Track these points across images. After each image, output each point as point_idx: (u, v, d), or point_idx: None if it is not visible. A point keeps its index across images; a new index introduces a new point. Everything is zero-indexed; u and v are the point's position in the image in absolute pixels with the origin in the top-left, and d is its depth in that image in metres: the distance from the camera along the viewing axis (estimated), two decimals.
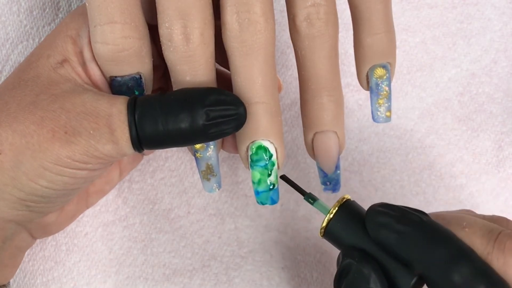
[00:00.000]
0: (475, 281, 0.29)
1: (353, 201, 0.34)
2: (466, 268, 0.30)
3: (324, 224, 0.34)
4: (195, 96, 0.32)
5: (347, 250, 0.33)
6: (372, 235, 0.32)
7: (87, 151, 0.31)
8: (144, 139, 0.32)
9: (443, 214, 0.34)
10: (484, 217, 0.34)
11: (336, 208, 0.34)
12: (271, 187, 0.35)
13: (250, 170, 0.35)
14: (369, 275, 0.32)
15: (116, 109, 0.32)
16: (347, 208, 0.34)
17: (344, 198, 0.34)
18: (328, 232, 0.34)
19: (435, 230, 0.31)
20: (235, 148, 0.36)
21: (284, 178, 0.36)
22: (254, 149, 0.34)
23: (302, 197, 0.36)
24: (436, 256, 0.30)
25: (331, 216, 0.34)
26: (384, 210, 0.32)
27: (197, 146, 0.35)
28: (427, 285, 0.31)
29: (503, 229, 0.32)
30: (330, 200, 0.45)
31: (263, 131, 0.34)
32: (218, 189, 0.37)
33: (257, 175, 0.35)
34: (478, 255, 0.31)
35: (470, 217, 0.33)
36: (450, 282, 0.29)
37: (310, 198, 0.36)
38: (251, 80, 0.33)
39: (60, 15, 0.42)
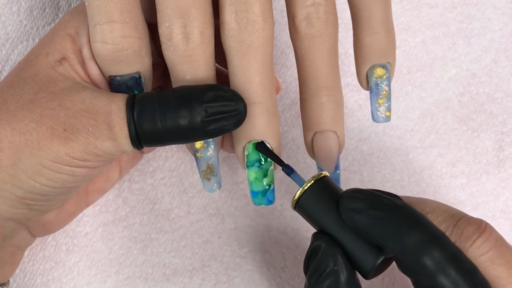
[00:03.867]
0: (447, 265, 0.29)
1: (330, 178, 0.34)
2: (437, 252, 0.29)
3: (297, 196, 0.33)
4: (193, 93, 0.32)
5: (317, 234, 0.33)
6: (346, 220, 0.32)
7: (86, 148, 0.31)
8: (143, 136, 0.32)
9: (409, 198, 0.34)
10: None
11: (311, 182, 0.33)
12: (267, 187, 0.35)
13: (246, 170, 0.35)
14: (335, 257, 0.31)
15: (115, 106, 0.32)
16: (322, 184, 0.33)
17: (321, 174, 0.33)
18: (300, 205, 0.33)
19: (408, 214, 0.31)
20: None
21: (260, 147, 0.35)
22: (250, 149, 0.34)
23: None
24: (408, 240, 0.30)
25: (305, 189, 0.33)
26: (357, 195, 0.32)
27: (198, 145, 0.35)
28: (400, 269, 0.31)
29: (465, 215, 0.32)
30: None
31: (260, 131, 0.34)
32: (219, 189, 0.37)
33: (253, 175, 0.35)
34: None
35: (434, 202, 0.33)
36: (422, 266, 0.29)
37: (288, 169, 0.34)
38: (248, 79, 0.33)
39: (60, 15, 0.42)
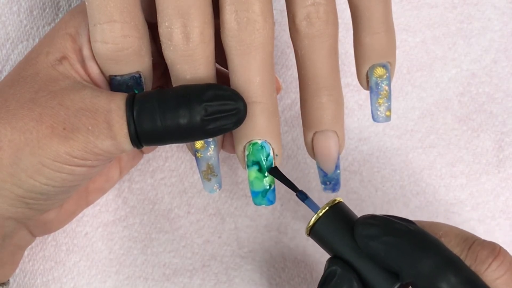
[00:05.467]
0: None
1: (345, 204, 0.34)
2: (453, 277, 0.30)
3: (311, 223, 0.34)
4: (193, 92, 0.32)
5: (332, 259, 0.33)
6: (361, 246, 0.32)
7: (86, 147, 0.31)
8: (143, 135, 0.32)
9: (421, 222, 0.34)
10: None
11: (326, 209, 0.33)
12: (267, 187, 0.35)
13: (247, 170, 0.35)
14: (351, 283, 0.32)
15: (115, 105, 0.32)
16: (336, 210, 0.34)
17: (335, 200, 0.34)
18: (314, 232, 0.34)
19: (422, 239, 0.31)
20: None
21: (273, 172, 0.35)
22: (250, 149, 0.34)
23: None
24: (423, 265, 0.30)
25: (320, 216, 0.33)
26: (371, 221, 0.32)
27: (198, 145, 0.35)
28: None
29: (478, 238, 0.32)
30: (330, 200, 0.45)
31: (260, 131, 0.34)
32: (219, 189, 0.37)
33: (253, 175, 0.35)
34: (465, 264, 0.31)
35: (446, 225, 0.34)
36: None
37: (302, 195, 0.35)
38: (249, 79, 0.33)
39: (60, 15, 0.42)
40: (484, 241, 0.32)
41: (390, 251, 0.31)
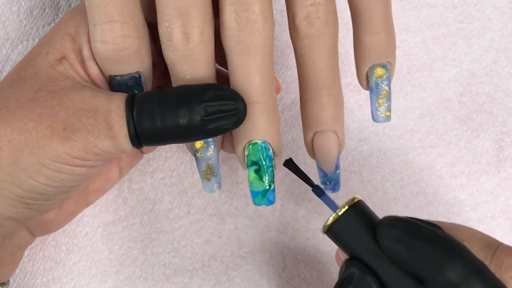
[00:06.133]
0: None
1: (364, 203, 0.33)
2: (480, 285, 0.29)
3: (330, 221, 0.33)
4: (193, 92, 0.32)
5: (351, 260, 0.32)
6: (384, 249, 0.31)
7: (86, 147, 0.31)
8: (142, 135, 0.32)
9: (444, 224, 0.33)
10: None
11: (345, 208, 0.33)
12: (267, 187, 0.35)
13: (246, 170, 0.35)
14: (371, 286, 0.31)
15: (115, 105, 0.32)
16: (357, 210, 0.33)
17: (355, 198, 0.33)
18: (332, 231, 0.33)
19: (449, 245, 0.30)
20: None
21: (288, 164, 0.34)
22: (250, 149, 0.34)
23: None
24: (450, 272, 0.29)
25: (339, 215, 0.33)
26: (397, 223, 0.31)
27: (198, 145, 0.35)
28: None
29: (501, 243, 0.32)
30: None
31: (260, 131, 0.34)
32: (219, 190, 0.37)
33: (253, 176, 0.35)
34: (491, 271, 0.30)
35: (468, 228, 0.33)
36: None
37: (319, 190, 0.34)
38: (248, 79, 0.33)
39: (60, 15, 0.42)
40: (509, 247, 0.31)
41: (415, 256, 0.30)
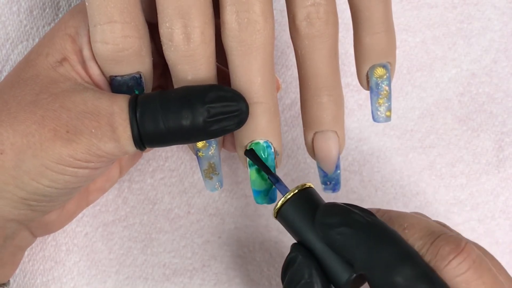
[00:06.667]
0: (417, 284, 0.29)
1: (314, 190, 0.34)
2: (408, 271, 0.29)
3: (278, 205, 0.33)
4: (196, 93, 0.32)
5: (296, 245, 0.33)
6: (320, 235, 0.32)
7: (89, 149, 0.31)
8: (146, 137, 0.32)
9: (390, 212, 0.33)
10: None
11: (294, 192, 0.33)
12: (269, 186, 0.35)
13: (248, 169, 0.35)
14: (311, 270, 0.31)
15: (118, 107, 0.32)
16: (305, 195, 0.33)
17: (305, 184, 0.33)
18: (281, 214, 0.33)
19: (380, 232, 0.30)
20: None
21: (249, 153, 0.35)
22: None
23: None
24: (378, 257, 0.29)
25: (287, 198, 0.33)
26: (331, 210, 0.32)
27: (199, 145, 0.35)
28: (370, 286, 0.30)
29: (445, 232, 0.31)
30: (330, 200, 0.45)
31: (262, 131, 0.34)
32: (220, 188, 0.37)
33: (255, 175, 0.35)
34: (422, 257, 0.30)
35: (414, 217, 0.33)
36: (391, 284, 0.29)
37: (274, 178, 0.34)
38: (250, 80, 0.33)
39: (60, 15, 0.42)
40: (451, 236, 0.31)
41: (345, 242, 0.30)
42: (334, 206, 0.32)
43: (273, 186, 0.35)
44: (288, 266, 0.32)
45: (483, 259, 0.31)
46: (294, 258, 0.32)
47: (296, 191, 0.33)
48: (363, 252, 0.30)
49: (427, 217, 0.36)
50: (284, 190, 0.34)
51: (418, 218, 0.32)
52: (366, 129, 0.46)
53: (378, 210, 0.34)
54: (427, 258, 0.30)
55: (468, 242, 0.31)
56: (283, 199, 0.33)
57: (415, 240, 0.31)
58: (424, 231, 0.31)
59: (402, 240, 0.30)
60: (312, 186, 0.34)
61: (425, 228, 0.32)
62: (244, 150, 0.35)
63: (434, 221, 0.35)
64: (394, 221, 0.32)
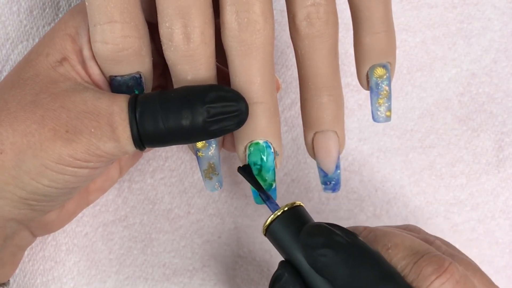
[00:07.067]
0: None
1: (304, 209, 0.34)
2: None
3: (267, 222, 0.33)
4: (195, 93, 0.32)
5: (283, 262, 0.33)
6: (304, 255, 0.32)
7: (89, 149, 0.31)
8: (146, 137, 0.32)
9: (376, 230, 0.33)
10: (414, 235, 0.34)
11: (283, 210, 0.33)
12: (268, 186, 0.35)
13: None
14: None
15: (117, 107, 0.32)
16: (293, 214, 0.33)
17: (294, 203, 0.33)
18: (270, 232, 0.33)
19: (361, 252, 0.30)
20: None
21: (242, 170, 0.35)
22: (252, 149, 0.34)
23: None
24: (359, 279, 0.29)
25: (276, 216, 0.33)
26: (314, 231, 0.31)
27: (199, 145, 0.35)
28: None
29: (430, 251, 0.31)
30: (330, 200, 0.45)
31: (262, 131, 0.34)
32: (220, 188, 0.37)
33: (255, 175, 0.35)
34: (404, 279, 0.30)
35: (400, 236, 0.32)
36: None
37: (265, 195, 0.34)
38: (250, 80, 0.33)
39: (60, 15, 0.42)
40: (434, 256, 0.31)
41: (327, 263, 0.30)
42: (317, 226, 0.32)
43: (273, 186, 0.36)
44: (275, 282, 0.32)
45: (468, 279, 0.30)
46: (280, 275, 0.32)
47: (286, 209, 0.33)
48: (344, 273, 0.30)
49: (419, 229, 0.36)
50: (274, 207, 0.34)
51: (402, 237, 0.32)
52: (366, 129, 0.46)
53: (365, 228, 0.33)
54: (410, 278, 0.30)
55: (452, 262, 0.30)
56: (272, 216, 0.33)
57: (398, 260, 0.31)
58: (407, 251, 0.31)
59: (383, 260, 0.30)
60: (302, 204, 0.34)
61: (409, 248, 0.31)
62: (243, 149, 0.35)
63: (431, 236, 0.35)
64: (379, 240, 0.32)
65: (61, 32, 0.34)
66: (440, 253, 0.31)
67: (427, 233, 0.36)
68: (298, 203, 0.34)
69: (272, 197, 0.35)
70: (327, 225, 0.32)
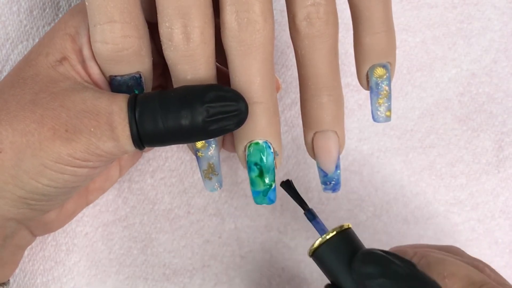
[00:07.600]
0: None
1: (352, 231, 0.33)
2: None
3: (316, 245, 0.33)
4: (195, 93, 0.32)
5: (330, 286, 0.33)
6: (357, 283, 0.31)
7: (88, 148, 0.31)
8: (145, 136, 0.32)
9: (429, 257, 0.33)
10: (464, 261, 0.33)
11: (333, 233, 0.33)
12: (268, 186, 0.35)
13: (248, 170, 0.35)
14: None
15: (117, 107, 0.32)
16: (343, 237, 0.33)
17: (343, 226, 0.33)
18: (317, 255, 0.33)
19: (420, 284, 0.30)
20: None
21: (285, 185, 0.35)
22: (252, 149, 0.34)
23: (303, 196, 0.36)
24: None
25: (325, 239, 0.33)
26: (370, 259, 0.31)
27: (199, 145, 0.35)
28: None
29: (486, 283, 0.31)
30: (330, 200, 0.45)
31: (261, 131, 0.34)
32: (220, 188, 0.37)
33: (255, 175, 0.35)
34: None
35: (455, 264, 0.32)
36: None
37: (310, 214, 0.34)
38: (249, 80, 0.33)
39: (60, 15, 0.42)
40: (494, 286, 0.31)
41: None
42: (372, 254, 0.32)
43: (272, 186, 0.35)
44: None
45: None
46: None
47: (335, 232, 0.33)
48: None
49: (462, 251, 0.36)
50: (322, 230, 0.34)
51: (457, 265, 0.32)
52: (366, 129, 0.46)
53: (415, 252, 0.33)
54: None
55: None
56: (320, 239, 0.33)
57: None
58: (465, 281, 0.31)
59: None
60: (350, 226, 0.33)
61: (466, 277, 0.31)
62: (243, 149, 0.35)
63: (475, 259, 0.34)
64: (433, 268, 0.32)
65: (61, 32, 0.34)
66: (496, 284, 0.31)
67: (470, 256, 0.36)
68: (346, 225, 0.33)
69: (318, 216, 0.34)
70: (382, 253, 0.32)
